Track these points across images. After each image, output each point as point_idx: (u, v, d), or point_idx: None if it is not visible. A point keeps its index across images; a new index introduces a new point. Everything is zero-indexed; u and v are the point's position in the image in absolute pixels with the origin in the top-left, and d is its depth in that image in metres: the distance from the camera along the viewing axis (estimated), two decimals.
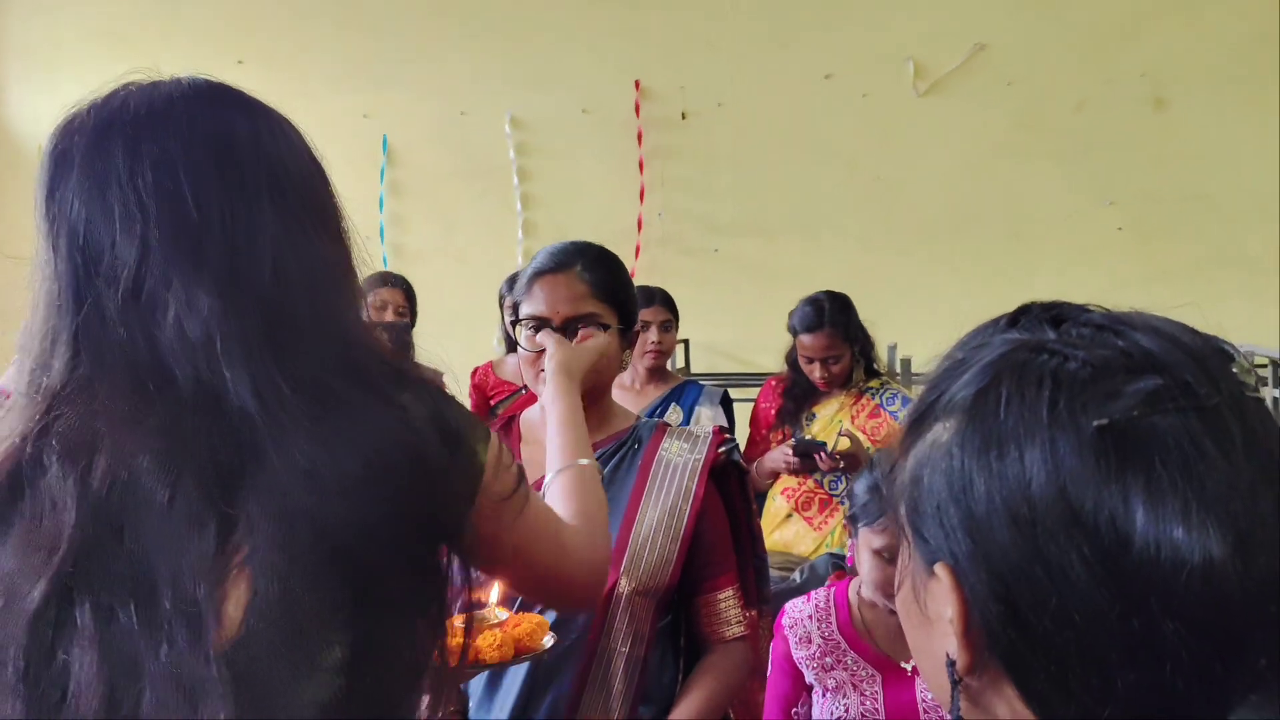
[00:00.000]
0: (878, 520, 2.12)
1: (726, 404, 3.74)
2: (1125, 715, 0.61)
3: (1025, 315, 0.71)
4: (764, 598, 2.07)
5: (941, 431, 0.68)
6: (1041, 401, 0.64)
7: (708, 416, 3.56)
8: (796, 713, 2.26)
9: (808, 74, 5.82)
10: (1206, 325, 0.68)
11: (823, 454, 3.43)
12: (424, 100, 6.12)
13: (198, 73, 1.07)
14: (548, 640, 1.65)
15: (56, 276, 0.97)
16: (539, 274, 1.88)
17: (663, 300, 3.73)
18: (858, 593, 2.29)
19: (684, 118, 5.99)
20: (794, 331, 3.62)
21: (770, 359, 4.06)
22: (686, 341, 5.39)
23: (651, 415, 3.35)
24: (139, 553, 0.89)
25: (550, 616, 1.81)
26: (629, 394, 3.59)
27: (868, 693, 2.18)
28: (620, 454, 1.93)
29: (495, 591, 1.68)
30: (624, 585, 1.82)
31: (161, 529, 0.89)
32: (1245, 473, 0.61)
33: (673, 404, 3.62)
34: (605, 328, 1.83)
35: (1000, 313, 0.73)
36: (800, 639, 2.27)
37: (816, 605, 2.31)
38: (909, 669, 2.18)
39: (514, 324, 1.92)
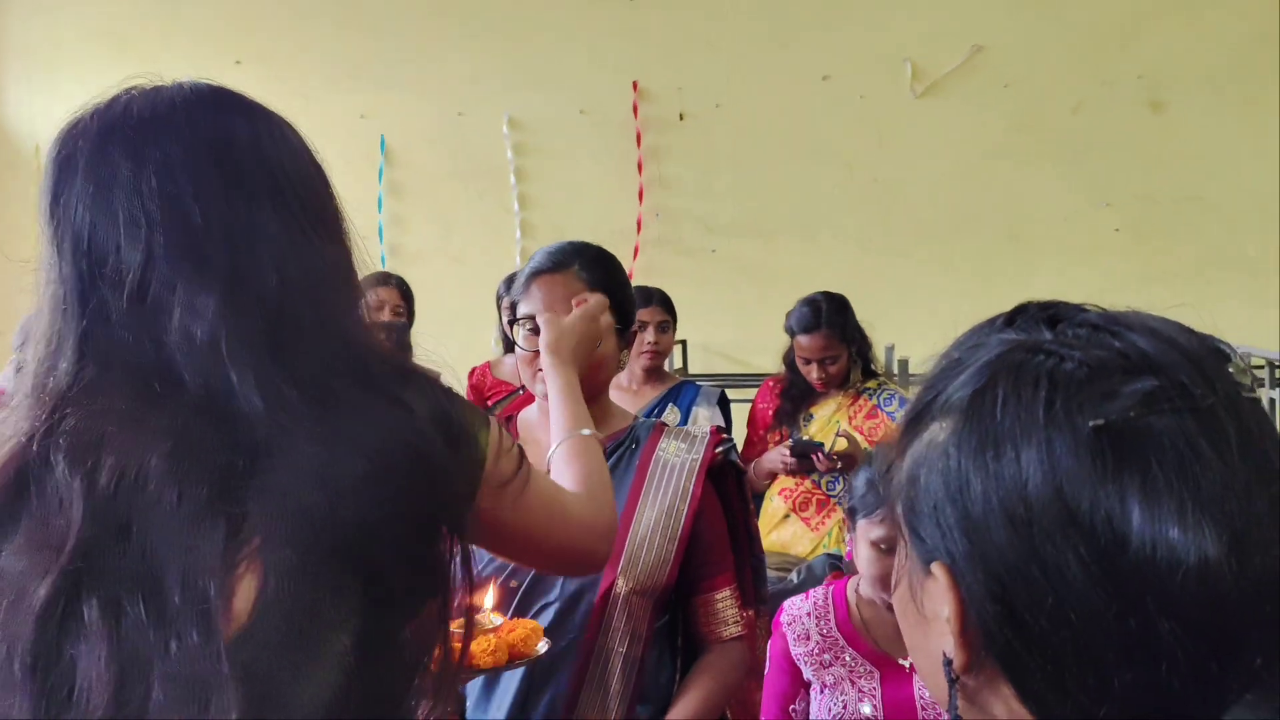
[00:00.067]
0: (876, 511, 2.12)
1: (724, 404, 3.74)
2: (1122, 714, 0.62)
3: (1022, 315, 0.71)
4: (761, 598, 2.07)
5: (938, 431, 0.69)
6: (1038, 402, 0.64)
7: (705, 417, 3.56)
8: (794, 710, 2.26)
9: (805, 75, 5.82)
10: (1203, 326, 0.68)
11: (820, 454, 3.43)
12: (422, 101, 6.11)
13: (198, 75, 1.07)
14: (542, 646, 1.66)
15: (61, 280, 0.98)
16: (536, 273, 1.88)
17: (660, 301, 3.73)
18: (856, 591, 2.30)
19: (682, 118, 5.99)
20: (791, 332, 3.63)
21: (768, 359, 4.07)
22: (684, 342, 5.39)
23: (649, 416, 3.35)
24: (147, 550, 0.90)
25: (545, 621, 1.82)
26: (626, 394, 3.59)
27: (866, 690, 2.19)
28: (618, 454, 1.93)
29: (490, 597, 1.69)
30: (621, 585, 1.83)
31: (170, 527, 0.90)
32: (1240, 473, 0.61)
33: (670, 404, 3.62)
34: None
35: (997, 314, 0.73)
36: (799, 636, 2.27)
37: (815, 603, 2.32)
38: (907, 666, 2.18)
39: (511, 324, 1.92)
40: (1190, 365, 0.64)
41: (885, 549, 2.11)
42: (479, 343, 4.80)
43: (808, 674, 2.25)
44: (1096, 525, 0.61)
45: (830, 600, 2.32)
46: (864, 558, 2.18)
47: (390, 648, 0.99)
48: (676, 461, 1.93)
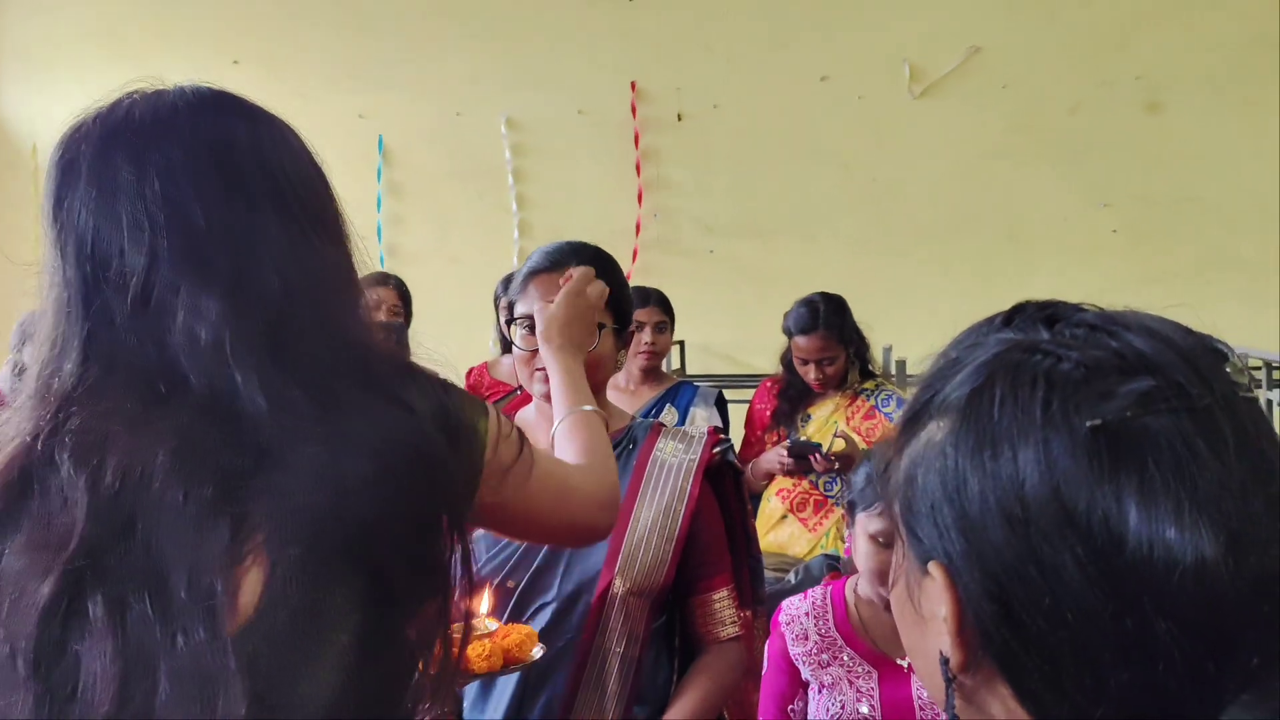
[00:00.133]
0: (875, 505, 2.12)
1: (721, 405, 3.74)
2: (1118, 714, 0.62)
3: (1020, 314, 0.71)
4: (759, 598, 2.07)
5: (935, 431, 0.69)
6: (1035, 402, 0.64)
7: (703, 417, 3.56)
8: (793, 710, 2.26)
9: (803, 76, 5.82)
10: (1201, 327, 0.68)
11: (818, 455, 3.43)
12: (420, 101, 6.11)
13: (197, 76, 1.08)
14: (536, 651, 1.66)
15: (65, 284, 0.99)
16: (534, 273, 1.88)
17: (658, 301, 3.73)
18: (854, 591, 2.30)
19: (680, 119, 5.99)
20: (789, 333, 3.63)
21: (766, 360, 4.06)
22: (682, 342, 5.40)
23: (646, 416, 3.35)
24: (152, 548, 0.90)
25: (542, 621, 1.82)
26: (623, 395, 3.59)
27: (864, 690, 2.19)
28: (615, 454, 1.93)
29: (485, 602, 1.69)
30: (619, 585, 1.83)
31: (175, 525, 0.91)
32: (1237, 473, 0.61)
33: (668, 405, 3.62)
34: (600, 328, 1.83)
35: (995, 313, 0.73)
36: (797, 636, 2.27)
37: (813, 602, 2.32)
38: (905, 666, 2.18)
39: (509, 323, 1.92)
40: (1187, 365, 0.64)
41: (883, 543, 2.11)
42: (477, 343, 4.80)
43: (806, 674, 2.25)
44: (1093, 525, 0.61)
45: (828, 600, 2.32)
46: (862, 551, 2.18)
47: (391, 646, 1.00)
48: (674, 462, 1.93)
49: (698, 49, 5.92)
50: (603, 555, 1.84)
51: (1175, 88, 5.53)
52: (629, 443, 1.95)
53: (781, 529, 3.59)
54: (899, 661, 2.19)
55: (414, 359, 1.13)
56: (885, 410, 3.59)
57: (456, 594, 1.07)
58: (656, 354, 3.71)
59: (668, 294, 3.80)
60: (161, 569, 0.90)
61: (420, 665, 1.05)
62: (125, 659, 0.88)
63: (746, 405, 3.94)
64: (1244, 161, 5.42)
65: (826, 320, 3.53)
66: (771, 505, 3.63)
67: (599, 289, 1.69)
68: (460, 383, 1.19)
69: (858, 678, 2.20)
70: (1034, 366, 0.66)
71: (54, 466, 0.93)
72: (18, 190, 5.99)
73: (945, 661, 0.67)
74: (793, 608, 2.33)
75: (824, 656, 2.24)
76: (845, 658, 2.23)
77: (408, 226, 6.19)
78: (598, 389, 1.92)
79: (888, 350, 4.45)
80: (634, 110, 5.98)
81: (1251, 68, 5.39)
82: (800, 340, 3.57)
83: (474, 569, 1.10)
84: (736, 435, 3.78)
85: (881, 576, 2.13)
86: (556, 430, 1.52)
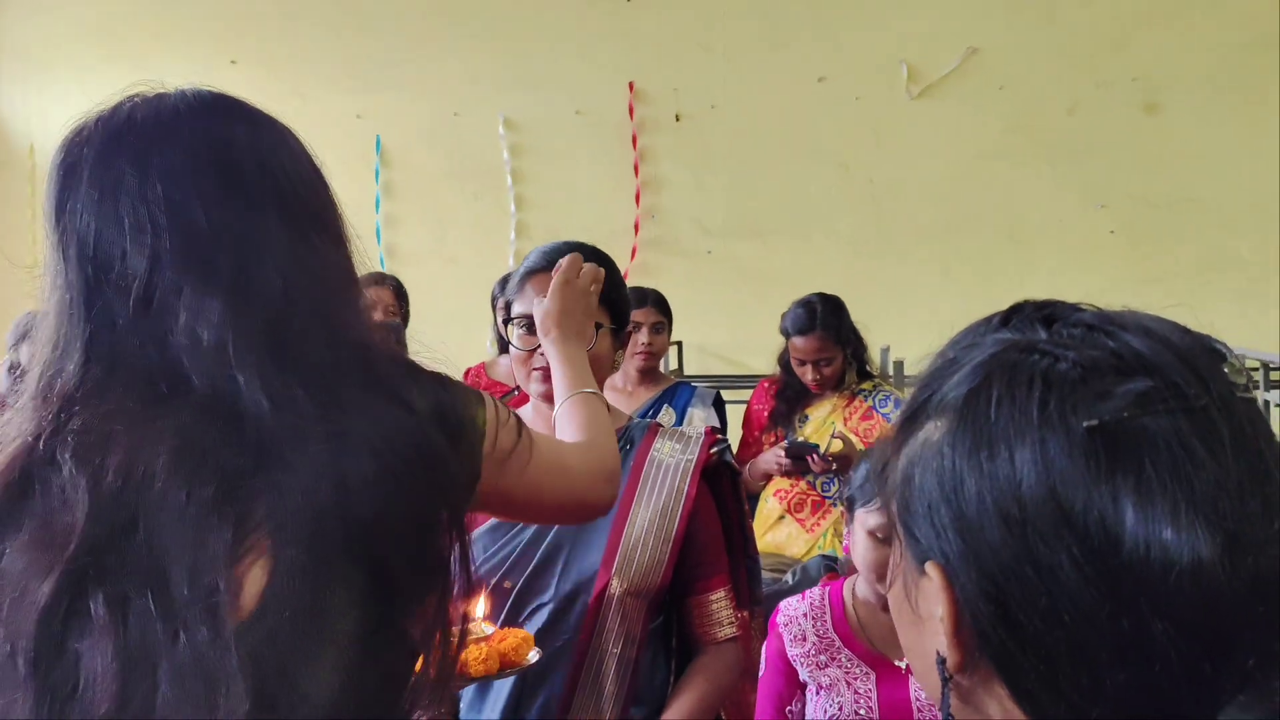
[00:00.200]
0: (874, 500, 2.12)
1: (719, 405, 3.74)
2: (1115, 715, 0.62)
3: (1017, 314, 0.71)
4: (756, 599, 2.07)
5: (933, 431, 0.69)
6: (1032, 402, 0.64)
7: (700, 418, 3.56)
8: (791, 711, 2.26)
9: (801, 76, 5.82)
10: (1199, 328, 0.68)
11: (815, 456, 3.43)
12: (417, 101, 6.11)
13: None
14: (532, 655, 1.67)
15: (67, 286, 1.00)
16: (531, 273, 1.88)
17: (655, 302, 3.73)
18: (852, 591, 2.30)
19: (678, 120, 5.99)
20: (786, 334, 3.63)
21: (763, 361, 4.06)
22: (679, 343, 5.39)
23: (644, 417, 3.34)
24: (154, 546, 0.91)
25: (539, 621, 1.82)
26: (621, 395, 3.59)
27: (861, 690, 2.18)
28: None
29: (481, 606, 1.69)
30: (615, 586, 1.82)
31: (177, 523, 0.91)
32: (1234, 473, 0.61)
33: (665, 405, 3.62)
34: (598, 327, 1.83)
35: (993, 313, 0.73)
36: (795, 637, 2.27)
37: (811, 603, 2.32)
38: (903, 667, 2.18)
39: (506, 323, 1.92)
40: (1184, 365, 0.64)
41: (882, 538, 2.11)
42: (475, 343, 4.80)
43: (804, 675, 2.25)
44: (1090, 526, 0.61)
45: (826, 601, 2.32)
46: (860, 546, 2.17)
47: (392, 645, 1.01)
48: (671, 462, 1.93)
49: (696, 49, 5.92)
50: (600, 556, 1.84)
51: (1173, 88, 5.54)
52: (626, 443, 1.95)
53: (779, 529, 3.59)
54: (897, 663, 2.19)
55: (413, 358, 1.14)
56: (883, 411, 3.59)
57: (455, 592, 1.08)
58: (653, 354, 3.70)
59: (665, 294, 3.80)
60: (163, 567, 0.90)
61: (418, 667, 1.05)
62: (126, 657, 0.89)
63: (744, 406, 3.94)
64: (1242, 162, 5.42)
65: (824, 321, 3.53)
66: (769, 506, 3.63)
67: (590, 273, 1.68)
68: None
69: (855, 679, 2.20)
70: (1031, 366, 0.66)
71: (55, 466, 0.94)
72: (15, 190, 5.98)
73: (942, 661, 0.67)
74: (790, 609, 2.33)
75: (822, 658, 2.24)
76: (843, 659, 2.23)
77: (405, 227, 6.19)
78: None
79: (885, 351, 4.45)
80: (632, 111, 5.98)
81: (1249, 69, 5.40)
82: (797, 341, 3.57)
83: (472, 568, 1.11)
84: (734, 436, 3.77)
85: (879, 571, 2.12)
86: (557, 412, 1.53)
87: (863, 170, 5.81)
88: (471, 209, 6.13)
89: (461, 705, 1.87)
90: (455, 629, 1.09)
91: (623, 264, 4.84)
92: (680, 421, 3.55)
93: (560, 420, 1.51)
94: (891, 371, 4.36)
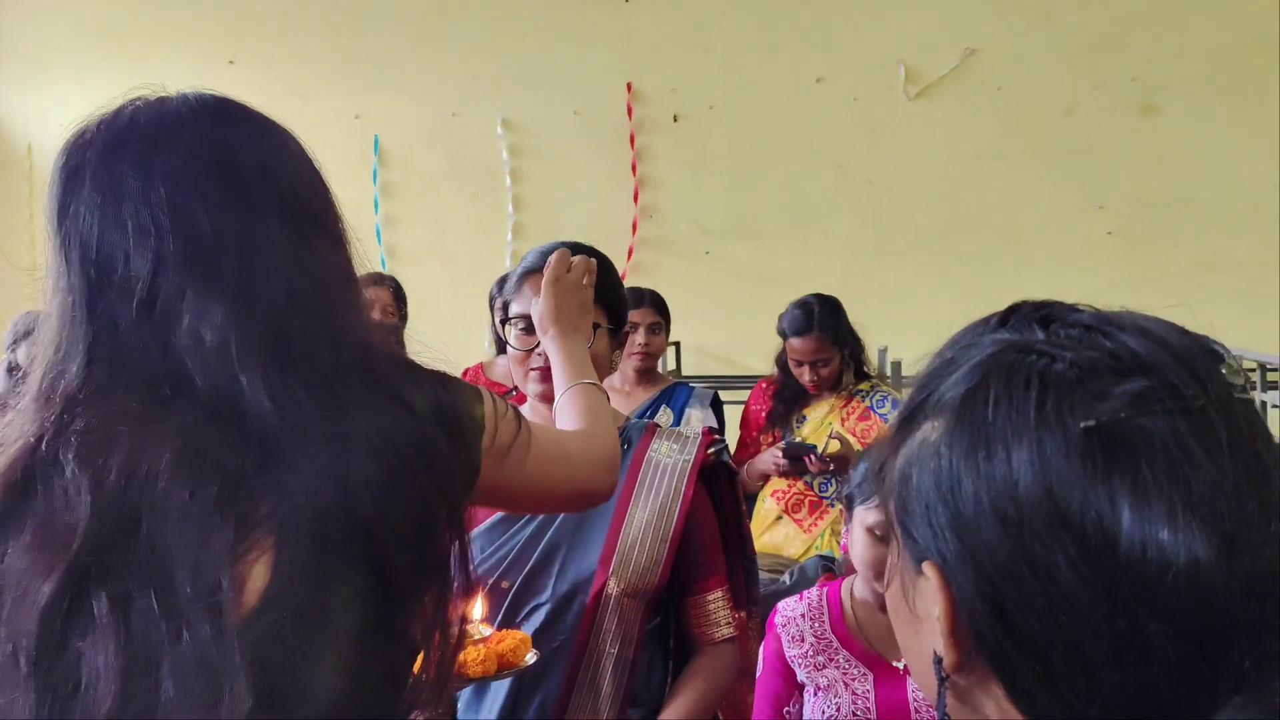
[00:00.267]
0: (873, 497, 2.12)
1: (717, 406, 3.74)
2: (1111, 715, 0.62)
3: (1015, 315, 0.71)
4: (753, 599, 2.07)
5: (930, 431, 0.69)
6: (1029, 402, 0.64)
7: (698, 418, 3.56)
8: (788, 712, 2.26)
9: (799, 77, 5.83)
10: (1196, 329, 0.68)
11: (812, 457, 3.43)
12: (415, 102, 6.11)
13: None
14: (530, 657, 1.67)
15: (70, 289, 1.01)
16: (528, 273, 1.88)
17: (652, 302, 3.73)
18: (850, 592, 2.30)
19: (675, 120, 5.99)
20: (784, 335, 3.63)
21: (761, 361, 4.07)
22: (677, 344, 5.39)
23: (642, 417, 3.35)
24: (157, 546, 0.92)
25: (536, 622, 1.82)
26: (619, 396, 3.59)
27: (859, 691, 2.18)
28: None
29: (479, 608, 1.70)
30: (613, 586, 1.82)
31: (180, 523, 0.92)
32: (1230, 474, 0.61)
33: (663, 406, 3.62)
34: (596, 327, 1.83)
35: (991, 313, 0.73)
36: (793, 637, 2.27)
37: (809, 604, 2.31)
38: (901, 667, 2.18)
39: (504, 323, 1.92)
40: (1182, 366, 0.64)
41: (880, 535, 2.11)
42: (473, 344, 4.80)
43: (802, 676, 2.25)
44: (1086, 526, 0.61)
45: (824, 602, 2.31)
46: (859, 543, 2.17)
47: (393, 643, 1.02)
48: (668, 462, 1.93)
49: (693, 50, 5.92)
50: (597, 556, 1.84)
51: (1170, 90, 5.54)
52: (623, 443, 1.94)
53: (776, 530, 3.59)
54: (895, 663, 2.19)
55: (412, 358, 1.14)
56: (880, 411, 3.60)
57: (455, 591, 1.08)
58: (650, 355, 3.70)
59: (664, 295, 3.80)
60: (166, 567, 0.91)
61: (417, 667, 1.06)
62: (128, 655, 0.89)
63: (742, 406, 3.95)
64: (1239, 163, 5.43)
65: (821, 322, 3.53)
66: (766, 506, 3.63)
67: (580, 266, 1.68)
68: None
69: (853, 679, 2.20)
70: (1028, 367, 0.66)
71: (58, 467, 0.94)
72: (13, 190, 5.98)
73: (939, 661, 0.67)
74: (788, 609, 2.32)
75: (820, 658, 2.24)
76: (841, 659, 2.23)
77: (404, 227, 6.19)
78: None
79: (883, 351, 4.45)
80: (630, 111, 5.98)
81: (1247, 70, 5.40)
82: (795, 342, 3.57)
83: (471, 567, 1.12)
84: (732, 436, 3.77)
85: (877, 569, 2.12)
86: (557, 404, 1.54)
87: (861, 171, 5.82)
88: (470, 209, 6.13)
89: (459, 706, 1.87)
90: (454, 629, 1.09)
91: (620, 264, 4.84)
92: (678, 422, 3.54)
93: (560, 411, 1.53)
94: (889, 372, 4.36)
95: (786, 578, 3.24)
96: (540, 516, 1.87)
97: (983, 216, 5.70)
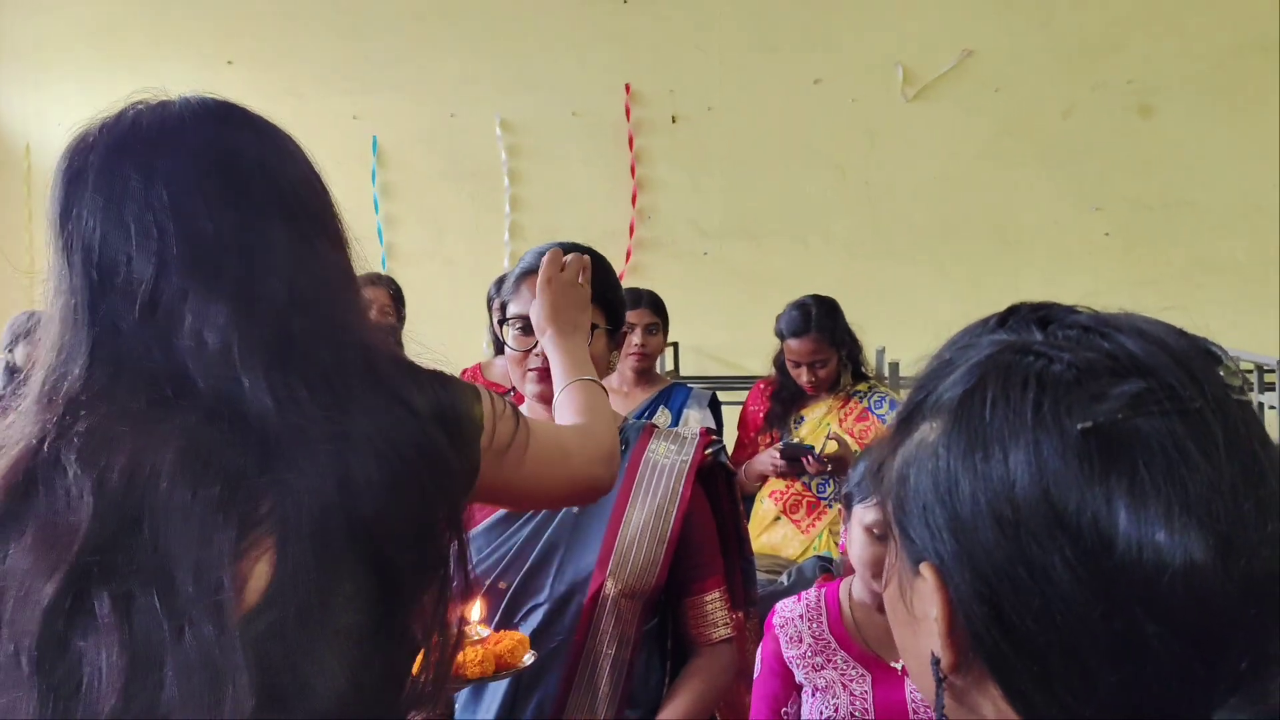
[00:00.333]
0: (872, 496, 2.12)
1: (715, 407, 3.74)
2: (1108, 716, 0.62)
3: (1014, 316, 0.71)
4: (751, 600, 2.07)
5: (928, 431, 0.69)
6: (1026, 403, 0.64)
7: (696, 419, 3.56)
8: (786, 713, 2.26)
9: (797, 78, 5.83)
10: (1193, 330, 0.69)
11: (810, 457, 3.44)
12: (414, 102, 6.11)
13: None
14: (528, 658, 1.67)
15: (72, 291, 1.01)
16: (526, 274, 1.88)
17: (649, 303, 3.73)
18: (849, 593, 2.30)
19: (674, 121, 5.99)
20: (781, 336, 3.63)
21: (759, 362, 4.07)
22: (675, 344, 5.40)
23: (640, 418, 3.34)
24: (159, 545, 0.92)
25: (534, 622, 1.82)
26: (617, 396, 3.58)
27: (857, 692, 2.18)
28: None
29: (477, 609, 1.70)
30: (610, 587, 1.82)
31: (183, 522, 0.92)
32: (1227, 475, 0.61)
33: (661, 406, 3.62)
34: (593, 328, 1.83)
35: (990, 314, 0.73)
36: (791, 638, 2.27)
37: (807, 605, 2.31)
38: (899, 668, 2.18)
39: (501, 324, 1.92)
40: (1179, 367, 0.64)
41: (879, 534, 2.11)
42: (471, 344, 4.80)
43: (800, 677, 2.25)
44: (1083, 527, 0.61)
45: (822, 603, 2.31)
46: (857, 542, 2.17)
47: (393, 641, 1.03)
48: (666, 463, 1.93)
49: (692, 52, 5.92)
50: (595, 557, 1.84)
51: (1167, 91, 5.55)
52: (621, 444, 1.94)
53: (774, 531, 3.59)
54: (893, 664, 2.19)
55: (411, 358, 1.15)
56: (878, 412, 3.60)
57: (454, 590, 1.09)
58: (647, 355, 3.70)
59: (662, 296, 3.80)
60: (168, 566, 0.91)
61: (416, 667, 1.06)
62: (131, 654, 0.89)
63: (740, 407, 3.95)
64: (1236, 165, 5.43)
65: (818, 323, 3.54)
66: (764, 507, 3.63)
67: (574, 264, 1.69)
68: None
69: (851, 680, 2.20)
70: (1026, 368, 0.66)
71: (60, 468, 0.94)
72: (12, 190, 5.97)
73: (936, 662, 0.67)
74: (786, 610, 2.32)
75: (818, 659, 2.24)
76: (839, 660, 2.23)
77: (402, 228, 6.19)
78: None
79: (881, 352, 4.45)
80: (628, 112, 5.98)
81: (1243, 72, 5.41)
82: (792, 343, 3.57)
83: (470, 566, 1.13)
84: (730, 437, 3.77)
85: (876, 568, 2.12)
86: (556, 401, 1.55)
87: (858, 172, 5.82)
88: (468, 210, 6.13)
89: (456, 706, 1.87)
90: (453, 630, 1.10)
91: (618, 265, 4.84)
92: (676, 422, 3.54)
93: (559, 407, 1.53)
94: (887, 373, 4.37)
95: (784, 578, 3.24)
96: (538, 517, 1.87)
97: (980, 217, 5.71)
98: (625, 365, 3.63)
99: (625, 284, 2.25)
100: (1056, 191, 5.64)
